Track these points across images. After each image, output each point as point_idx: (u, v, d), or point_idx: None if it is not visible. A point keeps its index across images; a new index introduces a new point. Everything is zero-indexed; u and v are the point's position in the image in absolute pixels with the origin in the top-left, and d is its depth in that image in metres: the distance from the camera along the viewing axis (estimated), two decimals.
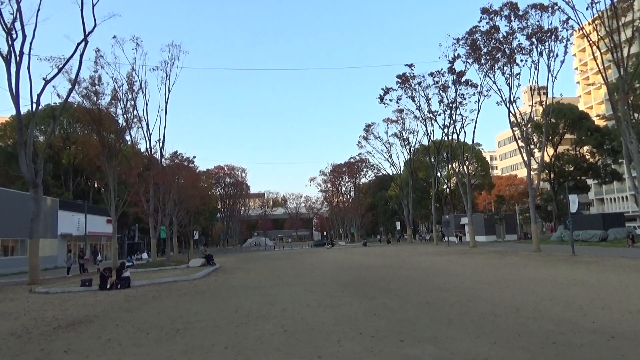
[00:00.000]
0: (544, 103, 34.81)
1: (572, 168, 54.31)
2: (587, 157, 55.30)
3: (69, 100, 34.09)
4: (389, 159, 71.11)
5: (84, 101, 31.32)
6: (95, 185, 57.11)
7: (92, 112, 31.35)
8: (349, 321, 9.10)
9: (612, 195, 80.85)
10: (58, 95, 31.14)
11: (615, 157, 50.26)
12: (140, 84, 34.08)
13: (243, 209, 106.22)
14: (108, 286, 16.94)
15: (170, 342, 7.79)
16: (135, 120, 34.32)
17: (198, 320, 9.87)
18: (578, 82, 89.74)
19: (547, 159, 49.26)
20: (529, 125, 39.29)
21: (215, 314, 10.69)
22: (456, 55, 42.64)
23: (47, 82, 23.16)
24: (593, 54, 26.68)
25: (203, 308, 11.66)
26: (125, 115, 33.76)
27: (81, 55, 22.93)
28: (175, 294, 15.18)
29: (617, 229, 40.48)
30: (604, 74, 25.17)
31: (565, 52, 36.77)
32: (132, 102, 33.03)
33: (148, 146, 36.39)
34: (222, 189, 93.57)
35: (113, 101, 32.46)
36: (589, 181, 61.96)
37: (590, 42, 25.13)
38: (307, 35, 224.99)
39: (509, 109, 35.45)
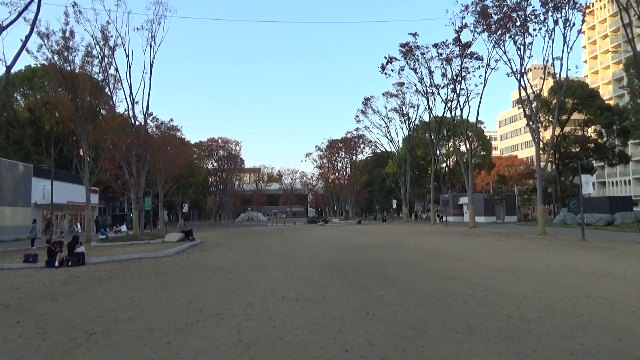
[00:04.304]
0: (557, 75, 32.19)
1: (578, 149, 51.85)
2: (593, 137, 52.86)
3: (42, 60, 31.35)
4: (387, 135, 68.29)
5: (54, 57, 28.28)
6: (81, 152, 54.18)
7: (63, 70, 28.40)
8: (332, 325, 6.69)
9: (614, 179, 78.87)
10: (32, 54, 28.03)
11: (626, 138, 47.79)
12: (122, 40, 31.07)
13: (237, 183, 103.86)
14: (57, 263, 14.49)
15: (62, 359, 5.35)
16: (112, 80, 31.33)
17: (131, 317, 7.43)
18: (585, 61, 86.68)
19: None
20: (536, 102, 36.56)
21: (159, 307, 8.26)
22: (464, 24, 39.71)
23: (2, 28, 20.27)
24: (621, 19, 23.98)
25: (149, 297, 9.22)
26: (102, 74, 30.80)
27: None
28: (130, 275, 12.73)
29: (624, 213, 38.32)
30: (632, 43, 22.54)
31: (583, 21, 34.08)
32: (109, 59, 30.04)
33: (131, 111, 33.50)
34: (216, 162, 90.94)
35: (87, 58, 29.44)
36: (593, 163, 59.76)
37: (621, 6, 22.42)
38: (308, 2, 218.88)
39: (519, 81, 32.77)
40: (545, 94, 50.35)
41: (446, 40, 43.65)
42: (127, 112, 34.18)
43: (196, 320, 7.11)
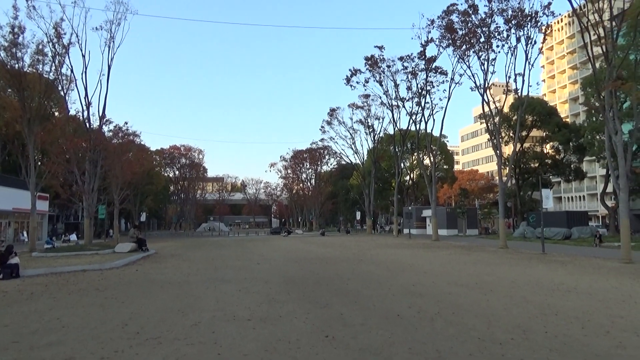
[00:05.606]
0: (518, 91, 32.82)
1: (537, 164, 53.20)
2: (551, 153, 54.44)
3: None
4: (353, 146, 68.61)
5: (1, 53, 26.43)
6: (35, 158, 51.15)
7: (11, 67, 26.58)
8: (285, 351, 5.91)
9: (570, 194, 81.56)
10: None
11: (582, 154, 49.39)
12: (77, 38, 29.36)
13: (199, 192, 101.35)
14: None
15: None
16: (65, 80, 29.58)
17: (52, 342, 6.38)
18: (544, 80, 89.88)
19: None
20: (498, 118, 37.14)
21: (89, 329, 7.22)
22: (429, 39, 40.13)
23: None
24: (583, 39, 24.49)
25: (81, 317, 8.13)
26: (54, 73, 29.01)
27: None
28: (66, 290, 11.48)
29: (580, 228, 39.49)
30: (592, 61, 23.02)
31: (544, 40, 35.07)
32: (61, 58, 28.31)
33: (85, 113, 31.72)
34: (177, 170, 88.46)
35: (38, 56, 27.67)
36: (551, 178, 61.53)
37: (582, 25, 22.88)
38: (274, 7, 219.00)
39: (483, 95, 33.21)
40: (506, 109, 51.56)
41: (412, 54, 44.07)
42: (80, 115, 32.35)
43: (129, 346, 6.15)
